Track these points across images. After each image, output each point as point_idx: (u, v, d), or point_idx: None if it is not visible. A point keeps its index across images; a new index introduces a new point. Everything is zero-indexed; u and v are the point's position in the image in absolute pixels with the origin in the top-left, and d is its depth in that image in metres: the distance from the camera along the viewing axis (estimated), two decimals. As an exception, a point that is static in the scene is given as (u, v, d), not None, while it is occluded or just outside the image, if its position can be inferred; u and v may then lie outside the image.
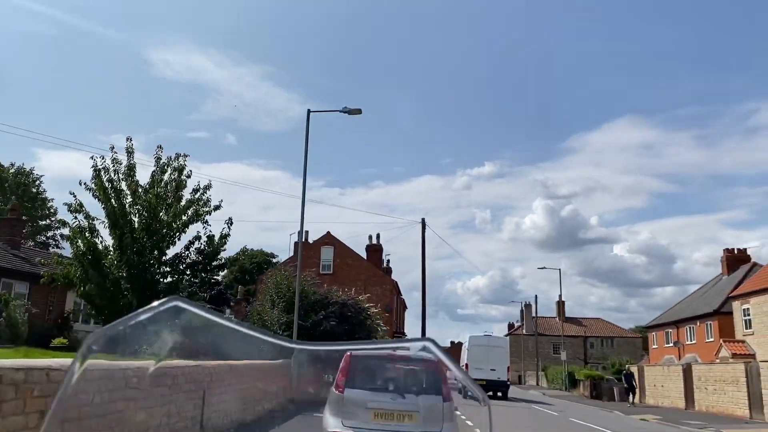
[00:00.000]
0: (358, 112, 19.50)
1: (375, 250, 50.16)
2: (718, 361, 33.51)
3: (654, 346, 53.91)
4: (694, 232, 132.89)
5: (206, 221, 20.69)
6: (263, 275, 24.40)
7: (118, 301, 18.86)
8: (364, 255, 48.77)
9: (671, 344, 49.25)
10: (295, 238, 44.54)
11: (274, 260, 55.33)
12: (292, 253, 44.41)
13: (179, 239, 20.60)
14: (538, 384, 69.17)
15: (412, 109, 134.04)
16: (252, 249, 66.49)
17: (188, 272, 20.42)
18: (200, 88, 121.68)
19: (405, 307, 62.23)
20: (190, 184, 20.78)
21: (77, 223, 19.07)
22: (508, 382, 32.40)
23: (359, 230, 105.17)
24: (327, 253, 45.57)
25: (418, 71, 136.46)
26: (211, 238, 20.32)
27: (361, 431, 8.35)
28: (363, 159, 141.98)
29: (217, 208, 21.01)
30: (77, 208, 19.08)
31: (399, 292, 53.59)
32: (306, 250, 42.23)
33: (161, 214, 19.76)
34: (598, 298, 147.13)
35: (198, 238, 20.59)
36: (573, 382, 50.38)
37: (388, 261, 54.87)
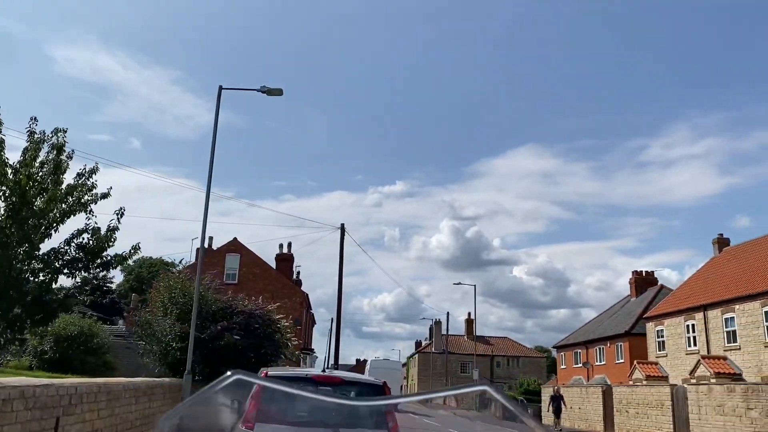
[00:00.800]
0: (279, 92, 17.04)
1: (285, 259, 47.19)
2: (631, 382, 33.08)
3: (562, 366, 53.82)
4: (587, 258, 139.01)
5: (91, 211, 17.53)
6: (155, 280, 21.19)
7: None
8: (273, 265, 45.75)
9: (580, 365, 49.17)
10: (198, 244, 41.05)
11: (175, 269, 51.59)
12: (194, 261, 40.85)
13: (57, 231, 17.30)
14: (445, 403, 67.92)
15: (326, 124, 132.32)
16: (151, 257, 61.63)
17: (66, 270, 17.12)
18: (104, 89, 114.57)
19: (314, 323, 59.46)
20: (74, 168, 17.63)
21: None
22: None
23: (270, 242, 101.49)
24: (232, 261, 42.23)
25: (332, 86, 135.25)
26: (95, 230, 17.16)
27: None
28: (274, 172, 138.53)
29: (105, 196, 17.84)
30: None
31: (309, 306, 50.85)
32: (209, 257, 38.79)
33: (34, 199, 16.45)
34: (498, 317, 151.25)
35: (82, 231, 17.38)
36: (484, 403, 49.22)
37: (299, 273, 52.10)
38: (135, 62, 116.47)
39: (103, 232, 17.10)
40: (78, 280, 17.31)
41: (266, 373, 6.42)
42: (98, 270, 17.06)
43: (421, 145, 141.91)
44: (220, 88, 17.70)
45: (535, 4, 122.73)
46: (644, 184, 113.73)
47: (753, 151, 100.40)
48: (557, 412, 32.45)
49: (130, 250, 17.17)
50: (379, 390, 6.95)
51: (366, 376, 7.05)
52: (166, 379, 15.36)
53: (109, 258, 17.27)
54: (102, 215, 18.10)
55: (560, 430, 31.30)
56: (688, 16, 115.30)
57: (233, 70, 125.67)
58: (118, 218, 17.44)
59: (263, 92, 17.25)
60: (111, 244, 17.02)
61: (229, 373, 1.13)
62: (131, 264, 55.12)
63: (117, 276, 65.22)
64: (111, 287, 57.84)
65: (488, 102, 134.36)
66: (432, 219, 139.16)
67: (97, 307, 46.15)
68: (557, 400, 32.69)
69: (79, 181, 17.47)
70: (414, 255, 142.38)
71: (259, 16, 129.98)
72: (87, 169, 17.85)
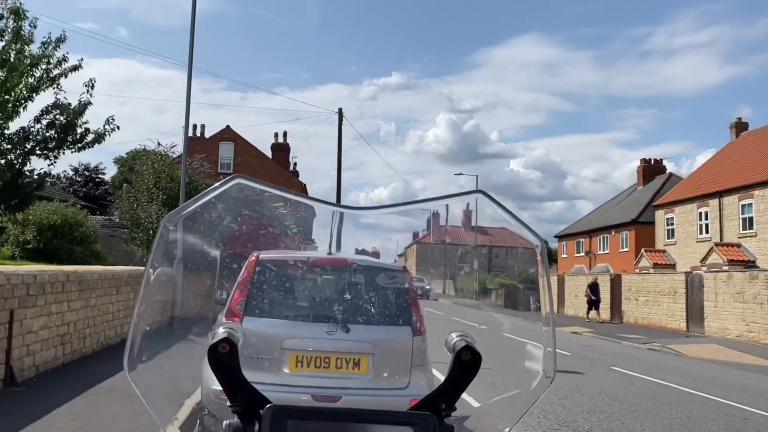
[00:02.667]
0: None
1: (282, 149, 45.35)
2: (637, 270, 32.39)
3: (564, 256, 53.54)
4: (585, 150, 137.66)
5: (59, 85, 15.66)
6: (138, 163, 19.57)
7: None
8: (269, 155, 44.00)
9: (582, 254, 48.75)
10: (190, 133, 38.96)
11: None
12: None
13: (25, 109, 15.50)
14: (444, 293, 68.62)
15: (318, 12, 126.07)
16: (145, 148, 59.68)
17: (38, 151, 15.49)
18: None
19: (314, 215, 58.52)
20: (40, 39, 15.62)
21: None
22: None
23: (264, 137, 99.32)
24: (227, 150, 40.42)
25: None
26: (64, 106, 15.38)
27: (272, 392, 4.69)
28: (267, 63, 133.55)
29: (75, 68, 15.89)
30: None
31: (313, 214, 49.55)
32: (201, 145, 36.99)
33: (-4, 73, 14.53)
34: (494, 210, 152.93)
35: (52, 107, 15.59)
36: (484, 291, 49.32)
37: (296, 164, 50.53)
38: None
39: (74, 107, 15.37)
40: (52, 161, 15.67)
41: (257, 256, 4.96)
42: (73, 149, 15.44)
43: (418, 34, 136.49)
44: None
45: None
46: (646, 74, 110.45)
47: (759, 38, 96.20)
48: (597, 303, 28.29)
49: (104, 125, 15.46)
50: (400, 275, 5.54)
51: (381, 260, 5.47)
52: (159, 269, 14.13)
53: (84, 136, 15.62)
54: (76, 94, 16.29)
55: (601, 322, 27.38)
56: None
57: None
58: (88, 90, 15.57)
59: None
60: (83, 119, 15.30)
61: (231, 176, 1.06)
62: (124, 156, 53.44)
63: (110, 168, 63.61)
64: (103, 178, 56.31)
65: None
66: (429, 112, 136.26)
67: (90, 198, 44.86)
68: (596, 290, 28.45)
69: (45, 51, 15.51)
70: (410, 149, 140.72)
71: None
72: (53, 39, 15.87)
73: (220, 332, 0.99)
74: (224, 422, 0.97)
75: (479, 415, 5.35)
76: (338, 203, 1.35)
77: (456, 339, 1.06)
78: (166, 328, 1.56)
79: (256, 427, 0.95)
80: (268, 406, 0.95)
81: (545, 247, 1.21)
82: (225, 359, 0.98)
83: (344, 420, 0.92)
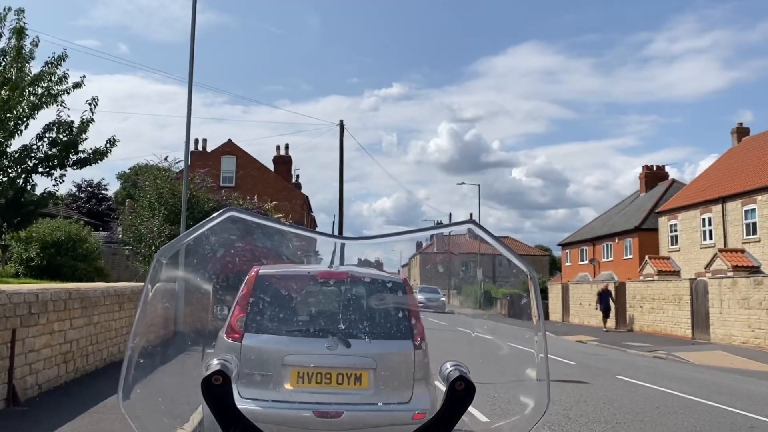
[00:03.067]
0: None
1: (284, 162, 45.50)
2: (642, 278, 32.29)
3: (567, 264, 53.39)
4: (586, 158, 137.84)
5: (62, 103, 15.75)
6: (140, 179, 19.63)
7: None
8: (271, 168, 44.11)
9: (586, 261, 48.62)
10: (192, 147, 39.10)
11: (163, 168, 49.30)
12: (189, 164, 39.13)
13: (27, 127, 15.59)
14: (449, 302, 68.38)
15: (318, 24, 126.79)
16: (147, 164, 59.90)
17: (40, 169, 15.55)
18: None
19: (315, 226, 58.60)
20: (41, 57, 15.78)
21: None
22: None
23: (266, 149, 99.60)
24: (228, 164, 40.54)
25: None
26: (67, 124, 15.46)
27: (273, 409, 4.65)
28: (268, 76, 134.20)
29: (77, 85, 16.00)
30: None
31: (310, 209, 49.74)
32: (203, 159, 37.16)
33: (-3, 91, 14.61)
34: (497, 219, 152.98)
35: (54, 125, 15.67)
36: (489, 301, 49.21)
37: (298, 176, 50.60)
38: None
39: (76, 125, 15.45)
40: (55, 179, 15.72)
41: (257, 271, 4.98)
42: (75, 167, 15.50)
43: (418, 44, 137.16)
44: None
45: None
46: (646, 80, 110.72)
47: (758, 43, 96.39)
48: (606, 311, 27.88)
49: (106, 144, 15.53)
50: (401, 288, 5.53)
51: (383, 272, 5.46)
52: (157, 284, 14.15)
53: (86, 153, 15.69)
54: (79, 111, 16.37)
55: (606, 330, 27.00)
56: None
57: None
58: (91, 109, 15.68)
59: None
60: (85, 137, 15.37)
61: (223, 209, 1.10)
62: (127, 171, 53.64)
63: (113, 183, 63.84)
64: (106, 194, 56.44)
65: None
66: (430, 122, 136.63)
67: (93, 215, 44.97)
68: (606, 298, 28.09)
69: (47, 69, 15.62)
70: (412, 159, 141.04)
71: None
72: (55, 57, 15.99)
73: (214, 364, 0.99)
74: None
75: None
76: (339, 235, 1.31)
77: (450, 369, 1.07)
78: (163, 348, 1.56)
79: None
80: None
81: (536, 276, 1.23)
82: (219, 391, 0.98)
83: None
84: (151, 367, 1.25)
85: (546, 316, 35.59)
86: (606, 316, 27.78)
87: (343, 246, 1.26)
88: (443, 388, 1.09)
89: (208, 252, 1.32)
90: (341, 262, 4.71)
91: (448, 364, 1.09)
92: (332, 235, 1.22)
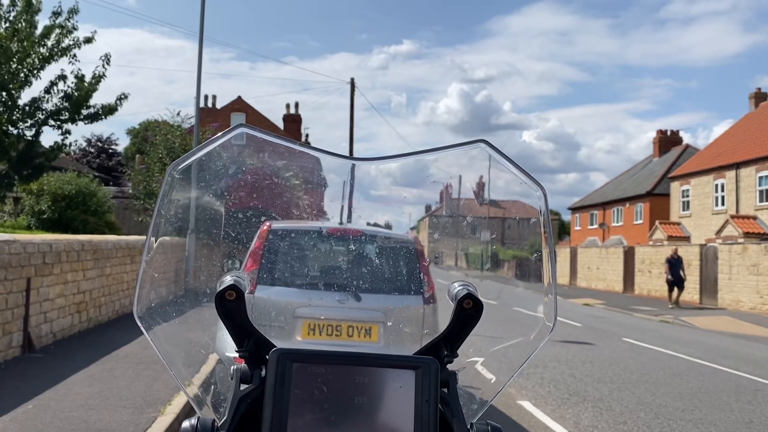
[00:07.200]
0: None
1: (293, 120, 45.30)
2: (651, 243, 32.23)
3: (577, 228, 53.28)
4: (599, 121, 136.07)
5: (74, 56, 15.66)
6: (149, 133, 19.62)
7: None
8: (281, 127, 43.96)
9: (595, 226, 48.51)
10: (202, 104, 38.90)
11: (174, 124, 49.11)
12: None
13: (37, 78, 15.56)
14: (457, 264, 68.64)
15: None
16: (157, 120, 59.60)
17: (50, 122, 15.56)
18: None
19: (326, 185, 58.58)
20: (47, 9, 15.62)
21: None
22: None
23: (275, 107, 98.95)
24: (238, 120, 40.37)
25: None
26: (80, 78, 15.40)
27: None
28: (275, 32, 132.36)
29: (88, 40, 15.89)
30: None
31: (320, 168, 49.59)
32: (213, 115, 37.03)
33: (7, 42, 14.52)
34: (505, 182, 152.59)
35: (63, 77, 15.61)
36: (496, 263, 49.33)
37: (308, 135, 50.38)
38: None
39: (87, 80, 15.38)
40: (63, 132, 15.71)
41: (269, 225, 4.98)
42: (85, 121, 15.49)
43: (430, 1, 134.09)
44: None
45: None
46: (662, 43, 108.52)
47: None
48: (679, 283, 21.80)
49: (116, 100, 15.48)
50: (412, 245, 5.53)
51: (393, 231, 5.46)
52: (167, 238, 14.22)
53: (96, 108, 15.65)
54: (87, 65, 16.31)
55: (675, 304, 21.47)
56: None
57: None
58: (104, 64, 15.61)
59: None
60: (95, 90, 15.31)
61: (234, 125, 1.08)
62: (137, 127, 53.50)
63: (123, 138, 63.83)
64: (116, 149, 56.47)
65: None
66: (440, 83, 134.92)
67: (103, 169, 45.10)
68: (677, 266, 21.82)
69: (56, 21, 15.50)
70: (421, 120, 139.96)
71: None
72: (65, 9, 15.82)
73: (227, 279, 0.99)
74: (232, 367, 0.99)
75: (478, 368, 5.40)
76: (350, 155, 1.36)
77: (458, 288, 1.06)
78: (179, 297, 1.56)
79: (263, 372, 0.96)
80: (273, 349, 0.96)
81: (546, 194, 1.26)
82: (232, 306, 0.99)
83: (349, 363, 0.94)
84: (170, 312, 1.25)
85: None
86: (680, 288, 21.92)
87: (353, 167, 1.26)
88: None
89: (221, 168, 1.33)
90: (349, 217, 4.71)
91: (456, 284, 1.09)
92: (343, 156, 1.22)
